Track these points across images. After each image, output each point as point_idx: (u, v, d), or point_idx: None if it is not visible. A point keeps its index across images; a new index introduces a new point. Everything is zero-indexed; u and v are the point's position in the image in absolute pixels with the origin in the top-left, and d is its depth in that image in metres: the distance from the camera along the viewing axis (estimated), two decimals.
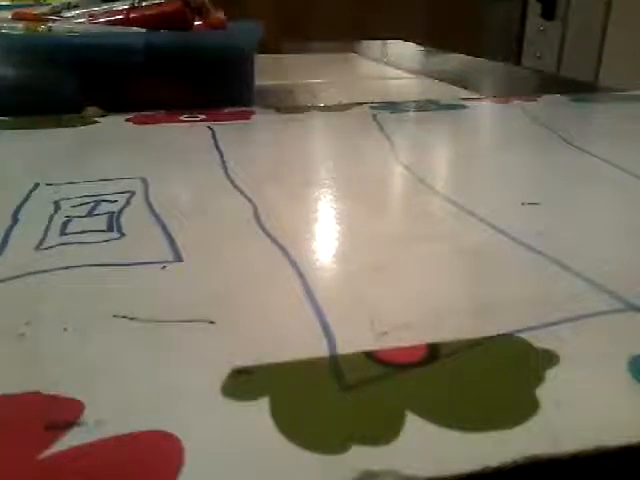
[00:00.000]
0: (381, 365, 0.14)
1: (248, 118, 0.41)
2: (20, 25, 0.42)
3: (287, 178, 0.29)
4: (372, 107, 0.44)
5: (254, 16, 0.55)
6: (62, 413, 0.13)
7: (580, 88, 0.56)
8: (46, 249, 0.21)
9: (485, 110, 0.45)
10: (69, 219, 0.23)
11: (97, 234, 0.22)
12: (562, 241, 0.22)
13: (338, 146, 0.36)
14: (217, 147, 0.34)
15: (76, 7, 0.45)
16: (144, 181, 0.28)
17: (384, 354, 0.15)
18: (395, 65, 0.71)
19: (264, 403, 0.13)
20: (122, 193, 0.26)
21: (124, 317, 0.16)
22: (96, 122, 0.39)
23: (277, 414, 0.13)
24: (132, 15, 0.43)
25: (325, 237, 0.22)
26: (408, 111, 0.44)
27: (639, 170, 0.29)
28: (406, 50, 0.91)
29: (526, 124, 0.40)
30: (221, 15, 0.47)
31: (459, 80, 0.58)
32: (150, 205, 0.25)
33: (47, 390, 0.13)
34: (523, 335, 0.15)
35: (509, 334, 0.16)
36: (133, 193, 0.26)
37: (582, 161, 0.32)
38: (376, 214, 0.24)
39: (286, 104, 0.46)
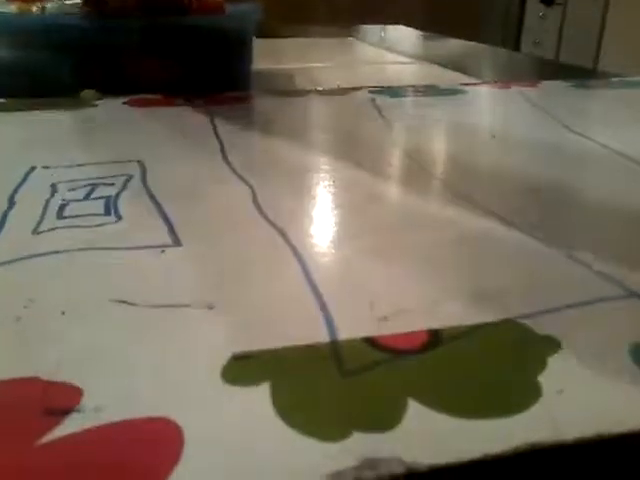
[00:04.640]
0: (381, 351, 0.14)
1: (246, 102, 0.41)
2: (13, 6, 0.41)
3: (286, 163, 0.29)
4: (371, 92, 0.44)
5: None
6: (61, 399, 0.12)
7: (579, 74, 0.55)
8: (43, 233, 0.21)
9: (484, 95, 0.45)
10: (66, 202, 0.23)
11: (94, 218, 0.22)
12: (562, 227, 0.21)
13: (337, 131, 0.35)
14: (215, 131, 0.33)
15: None
16: (142, 164, 0.28)
17: (384, 340, 0.15)
18: (394, 50, 0.70)
19: (265, 389, 0.13)
20: (119, 176, 0.26)
21: (123, 302, 0.16)
22: (93, 105, 0.39)
23: (278, 400, 0.13)
24: None
25: (324, 222, 0.22)
26: (407, 96, 0.43)
27: (639, 155, 0.29)
28: (405, 35, 0.91)
29: (526, 110, 0.40)
30: None
31: (459, 65, 0.58)
32: (148, 189, 0.25)
33: (45, 375, 0.13)
34: (524, 321, 0.15)
35: (510, 320, 0.15)
36: (131, 176, 0.26)
37: (582, 146, 0.31)
38: (375, 199, 0.24)
39: (285, 88, 0.46)
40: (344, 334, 0.15)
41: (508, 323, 0.15)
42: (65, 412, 0.12)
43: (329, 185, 0.26)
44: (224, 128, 0.34)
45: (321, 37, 0.82)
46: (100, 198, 0.24)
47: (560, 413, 0.12)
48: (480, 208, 0.23)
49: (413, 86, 0.47)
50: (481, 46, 0.76)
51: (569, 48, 1.82)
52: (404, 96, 0.43)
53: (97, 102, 0.39)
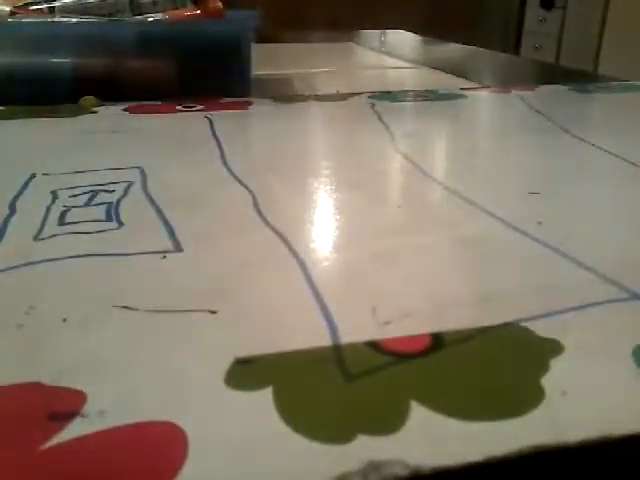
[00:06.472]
0: (385, 354, 0.14)
1: (246, 108, 0.41)
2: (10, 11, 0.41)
3: (286, 168, 0.29)
4: (370, 97, 0.44)
5: (252, 5, 0.54)
6: (64, 404, 0.12)
7: (579, 78, 0.55)
8: (44, 239, 0.21)
9: (484, 100, 0.45)
10: (67, 209, 0.23)
11: (96, 224, 0.22)
12: (563, 230, 0.21)
13: (337, 136, 0.36)
14: (215, 137, 0.33)
15: None
16: (142, 171, 0.28)
17: (387, 343, 0.15)
18: (394, 55, 0.71)
19: (268, 393, 0.13)
20: (120, 183, 0.26)
21: (125, 307, 0.16)
22: (93, 112, 0.39)
23: (281, 404, 0.13)
24: None
25: (325, 226, 0.22)
26: (407, 101, 0.43)
27: (638, 158, 0.29)
28: (405, 40, 0.91)
29: (525, 114, 0.40)
30: (218, 3, 0.47)
31: (458, 70, 0.58)
32: (149, 195, 0.25)
33: (49, 381, 0.13)
34: (527, 324, 0.15)
35: (513, 323, 0.15)
36: (131, 183, 0.26)
37: (581, 150, 0.31)
38: (376, 203, 0.24)
39: (284, 94, 0.46)
40: (347, 338, 0.15)
41: (510, 326, 0.15)
42: (69, 417, 0.12)
43: (329, 189, 0.26)
44: (224, 134, 0.34)
45: (321, 42, 0.83)
46: (101, 204, 0.24)
47: (563, 415, 0.12)
48: (481, 211, 0.23)
49: (413, 91, 0.47)
50: (481, 50, 0.77)
51: (569, 52, 1.82)
52: (404, 101, 0.43)
53: (97, 109, 0.40)
